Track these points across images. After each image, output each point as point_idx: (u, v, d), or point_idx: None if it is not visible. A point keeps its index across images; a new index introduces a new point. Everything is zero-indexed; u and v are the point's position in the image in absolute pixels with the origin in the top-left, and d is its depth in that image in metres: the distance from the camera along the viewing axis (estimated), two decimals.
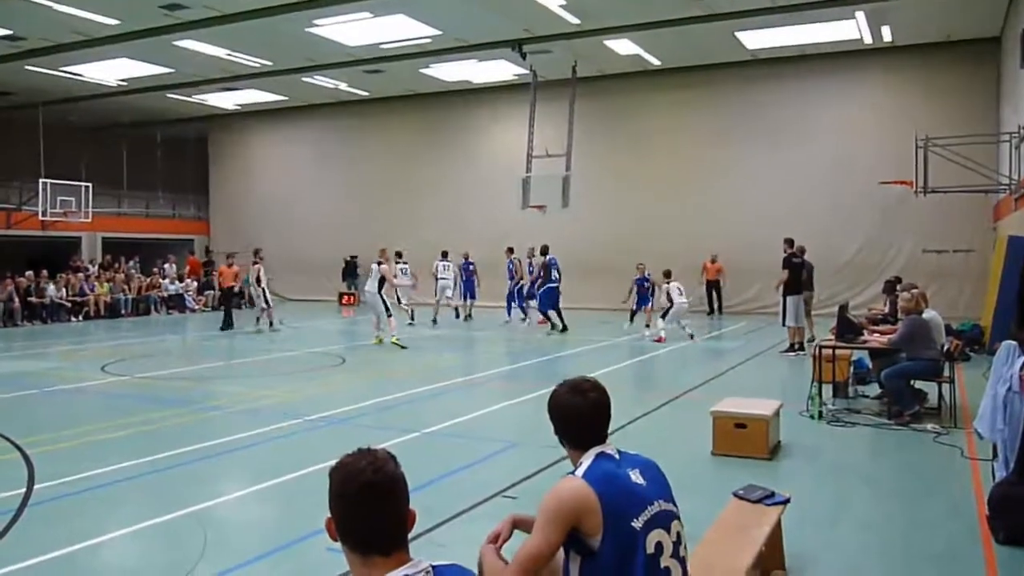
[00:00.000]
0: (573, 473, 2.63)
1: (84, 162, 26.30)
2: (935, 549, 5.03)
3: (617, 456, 2.69)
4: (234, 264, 19.95)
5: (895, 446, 7.72)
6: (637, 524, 2.52)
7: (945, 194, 16.67)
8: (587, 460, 2.65)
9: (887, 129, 19.67)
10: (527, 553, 2.51)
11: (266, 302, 18.73)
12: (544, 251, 18.02)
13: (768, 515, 4.30)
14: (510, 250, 20.34)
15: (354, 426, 8.44)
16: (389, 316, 15.35)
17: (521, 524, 2.83)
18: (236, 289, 20.64)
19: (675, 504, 2.69)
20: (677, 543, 2.62)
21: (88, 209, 24.41)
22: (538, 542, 2.51)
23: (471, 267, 20.63)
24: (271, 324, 18.64)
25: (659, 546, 2.55)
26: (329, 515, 1.98)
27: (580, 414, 2.72)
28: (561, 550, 2.56)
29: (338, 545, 1.99)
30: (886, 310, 12.01)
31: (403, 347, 14.80)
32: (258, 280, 18.91)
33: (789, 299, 13.71)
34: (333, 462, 2.01)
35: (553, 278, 17.56)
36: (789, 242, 14.20)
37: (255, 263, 19.36)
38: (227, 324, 18.85)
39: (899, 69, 20.31)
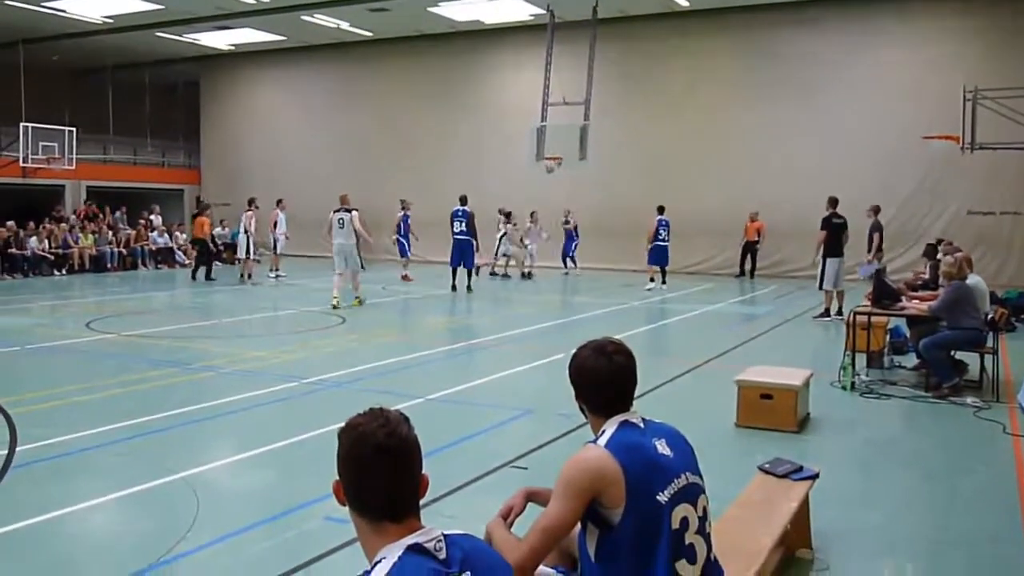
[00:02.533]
0: (595, 442, 2.62)
1: (68, 105, 26.18)
2: (972, 530, 5.02)
3: (642, 425, 2.68)
4: (204, 215, 20.52)
5: (932, 420, 7.72)
6: (662, 498, 2.51)
7: (994, 151, 16.44)
8: (610, 428, 2.64)
9: (932, 80, 19.28)
10: (544, 526, 2.51)
11: (248, 252, 19.92)
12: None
13: (795, 490, 4.31)
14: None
15: (354, 390, 8.48)
16: (363, 270, 15.57)
17: (535, 497, 2.83)
18: (209, 240, 20.77)
19: (701, 477, 2.68)
20: (703, 519, 2.62)
21: (72, 156, 24.34)
22: (556, 514, 2.51)
23: (409, 220, 20.31)
24: (248, 276, 19.79)
25: (684, 521, 2.55)
26: (337, 478, 1.98)
27: (603, 378, 2.69)
28: (577, 523, 2.56)
29: (340, 513, 1.99)
30: (926, 275, 11.95)
31: (362, 302, 15.26)
32: (246, 230, 19.61)
33: (829, 261, 13.67)
34: (333, 427, 2.01)
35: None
36: (832, 201, 14.08)
37: (248, 211, 19.82)
38: (206, 275, 19.92)
39: (947, 14, 19.89)
